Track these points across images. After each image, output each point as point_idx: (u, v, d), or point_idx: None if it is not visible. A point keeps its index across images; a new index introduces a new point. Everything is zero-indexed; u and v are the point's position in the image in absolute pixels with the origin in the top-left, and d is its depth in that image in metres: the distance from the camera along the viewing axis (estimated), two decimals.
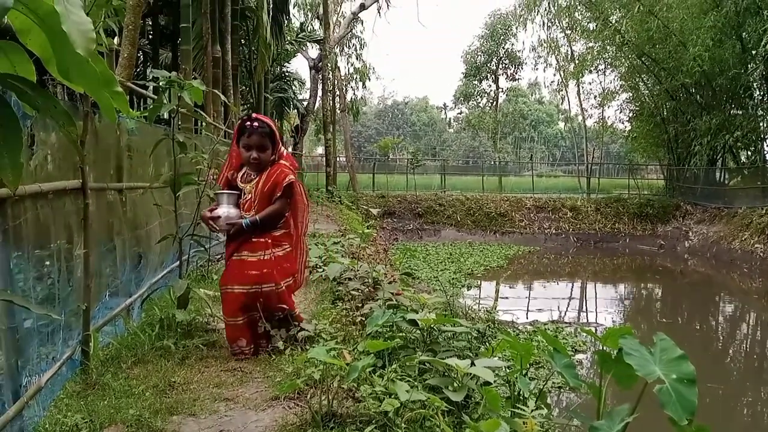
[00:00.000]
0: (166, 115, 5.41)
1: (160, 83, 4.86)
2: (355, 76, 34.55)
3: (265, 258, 4.35)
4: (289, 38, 24.52)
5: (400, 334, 4.39)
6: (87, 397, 3.62)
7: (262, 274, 4.34)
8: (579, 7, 28.94)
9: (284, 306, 4.51)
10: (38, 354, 3.39)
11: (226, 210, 4.34)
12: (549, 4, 30.45)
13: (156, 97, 5.24)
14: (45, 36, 1.54)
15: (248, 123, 4.34)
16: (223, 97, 9.21)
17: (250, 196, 4.42)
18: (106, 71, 1.67)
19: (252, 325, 4.47)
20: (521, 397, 3.59)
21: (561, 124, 72.16)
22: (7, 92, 1.72)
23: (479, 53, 49.64)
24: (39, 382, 3.27)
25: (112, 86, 1.72)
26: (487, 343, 4.63)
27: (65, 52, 1.50)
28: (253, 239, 4.36)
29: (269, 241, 4.39)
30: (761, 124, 24.18)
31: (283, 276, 4.46)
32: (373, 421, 3.14)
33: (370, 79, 34.73)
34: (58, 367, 3.60)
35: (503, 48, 48.34)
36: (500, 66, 49.69)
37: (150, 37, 15.82)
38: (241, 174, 4.52)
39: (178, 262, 5.89)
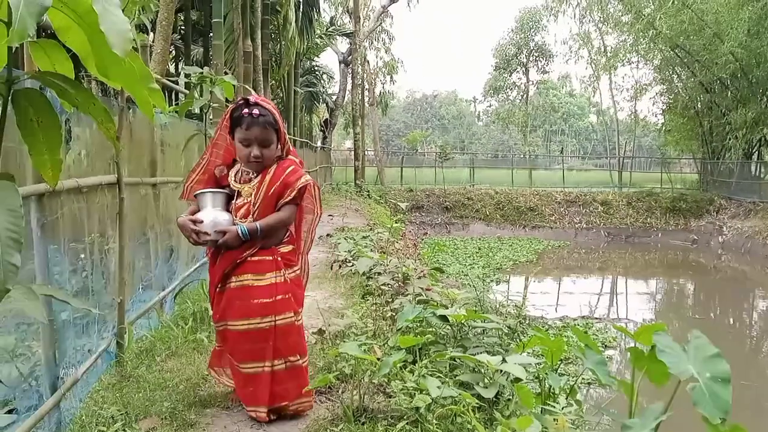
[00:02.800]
0: (197, 110, 5.46)
1: (193, 79, 4.90)
2: (383, 70, 34.55)
3: (278, 281, 3.23)
4: (318, 32, 24.57)
5: (431, 329, 4.38)
6: (122, 389, 3.68)
7: (276, 303, 3.20)
8: (612, 0, 28.65)
9: (303, 346, 3.41)
10: (74, 346, 3.45)
11: (212, 215, 3.15)
12: None
13: (188, 92, 5.29)
14: (84, 34, 1.56)
15: (246, 111, 3.15)
16: (253, 92, 9.27)
17: (249, 199, 3.23)
18: (143, 68, 1.69)
19: (266, 378, 3.24)
20: (552, 394, 3.57)
21: (592, 117, 71.40)
22: (46, 89, 1.75)
23: (509, 46, 49.37)
24: (75, 375, 3.33)
25: (148, 83, 1.73)
26: (518, 339, 4.62)
27: (104, 50, 1.51)
28: (257, 257, 3.23)
29: (279, 259, 3.26)
30: None
31: (299, 304, 3.37)
32: (405, 417, 3.15)
33: (397, 72, 34.67)
34: (94, 359, 3.66)
35: (533, 41, 48.03)
36: (530, 58, 49.35)
37: (182, 32, 15.96)
38: (235, 172, 3.34)
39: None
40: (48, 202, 3.05)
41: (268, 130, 3.18)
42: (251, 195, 3.23)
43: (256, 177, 3.26)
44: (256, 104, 3.16)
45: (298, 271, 3.39)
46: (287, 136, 3.36)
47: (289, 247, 3.36)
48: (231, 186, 3.29)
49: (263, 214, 3.22)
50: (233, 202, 3.27)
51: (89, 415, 3.28)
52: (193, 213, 3.22)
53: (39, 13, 1.20)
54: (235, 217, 3.22)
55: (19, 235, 1.35)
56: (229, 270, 3.22)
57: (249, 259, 3.22)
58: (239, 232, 3.17)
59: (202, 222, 3.12)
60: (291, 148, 3.44)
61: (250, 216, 3.21)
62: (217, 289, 3.26)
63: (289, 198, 3.24)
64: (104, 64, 1.58)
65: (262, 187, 3.22)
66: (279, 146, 3.30)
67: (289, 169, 3.28)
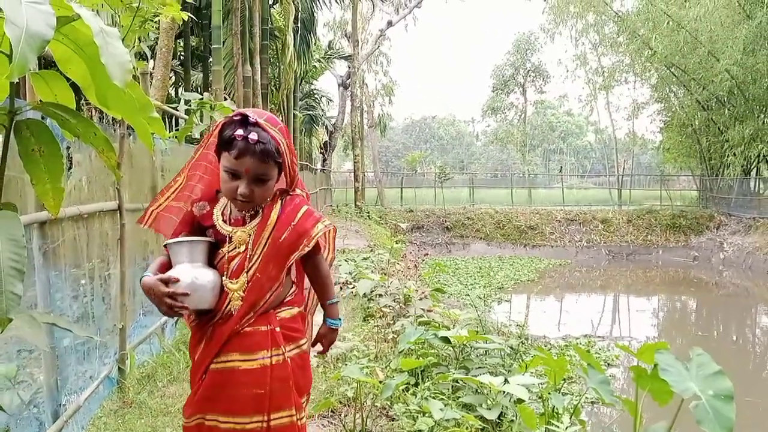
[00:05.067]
0: (197, 135, 5.49)
1: (192, 105, 4.94)
2: (382, 92, 34.78)
3: (275, 361, 2.20)
4: (317, 56, 24.76)
5: (433, 351, 4.38)
6: (124, 415, 3.67)
7: (271, 394, 2.18)
8: (608, 22, 28.94)
9: None
10: (76, 372, 3.45)
11: (191, 274, 2.14)
12: (576, 20, 30.50)
13: (188, 117, 5.33)
14: (84, 65, 1.58)
15: (239, 134, 2.11)
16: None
17: (243, 249, 2.23)
18: (142, 97, 1.71)
19: None
20: (555, 413, 3.56)
21: (591, 136, 71.62)
22: (47, 119, 1.77)
23: (506, 67, 49.84)
24: (77, 401, 3.32)
25: (148, 111, 1.75)
26: (520, 359, 4.61)
27: (104, 81, 1.54)
28: (247, 328, 2.20)
29: (277, 330, 2.23)
30: None
31: (302, 392, 2.32)
32: None
33: (395, 94, 34.94)
34: (96, 385, 3.65)
35: (530, 61, 48.50)
36: (528, 79, 49.77)
37: (181, 58, 16.08)
38: (221, 207, 2.32)
39: None
40: (49, 230, 3.07)
41: (267, 163, 2.16)
42: (246, 243, 2.23)
43: (253, 217, 2.28)
44: (256, 125, 2.14)
45: (304, 345, 2.33)
46: (296, 166, 2.36)
47: (293, 311, 2.32)
48: (217, 228, 2.28)
49: (265, 271, 2.21)
50: (220, 251, 2.25)
51: None
52: (163, 269, 2.21)
53: (40, 47, 1.22)
54: (224, 274, 2.21)
55: (21, 264, 1.36)
56: (215, 348, 2.20)
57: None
58: (335, 327, 2.44)
59: (177, 281, 2.10)
60: (300, 179, 2.43)
61: (244, 273, 2.20)
62: (202, 374, 2.20)
63: (305, 250, 2.27)
64: (104, 95, 1.60)
65: (264, 234, 2.24)
66: (286, 178, 2.32)
67: (303, 211, 2.31)
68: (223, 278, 2.19)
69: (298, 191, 2.39)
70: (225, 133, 2.16)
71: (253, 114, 2.15)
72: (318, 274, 2.42)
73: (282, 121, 2.31)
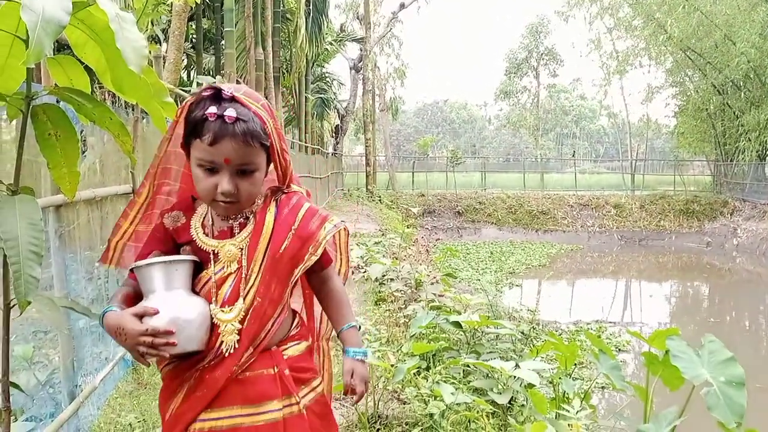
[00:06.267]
0: None
1: None
2: (393, 75, 34.66)
3: (288, 414, 1.67)
4: (329, 39, 24.69)
5: (444, 335, 4.40)
6: (139, 396, 3.71)
7: None
8: (623, 5, 28.68)
9: None
10: (91, 354, 3.50)
11: (172, 305, 1.58)
12: (591, 4, 30.24)
13: None
14: (100, 50, 1.59)
15: (212, 112, 1.57)
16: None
17: (235, 268, 1.69)
18: (157, 82, 1.71)
19: None
20: (566, 398, 3.58)
21: (604, 120, 71.13)
22: (61, 103, 1.78)
23: (519, 50, 49.62)
24: (93, 382, 3.36)
25: (162, 96, 1.76)
26: (531, 344, 4.62)
27: (119, 66, 1.55)
28: (247, 372, 1.66)
29: (287, 373, 1.70)
30: None
31: None
32: (419, 424, 3.16)
33: (406, 77, 34.83)
34: (111, 367, 3.70)
35: (543, 44, 48.26)
36: (541, 62, 49.52)
37: (193, 41, 16.08)
38: (200, 219, 1.76)
39: None
40: (65, 213, 3.10)
41: (251, 146, 1.61)
42: (239, 260, 1.69)
43: (243, 226, 1.73)
44: (232, 101, 1.61)
45: (319, 387, 1.80)
46: (288, 155, 1.79)
47: (301, 346, 1.80)
48: (197, 243, 1.72)
49: (266, 294, 1.68)
50: (204, 273, 1.70)
51: (107, 422, 3.32)
52: (129, 302, 1.66)
53: (56, 32, 1.23)
54: (212, 302, 1.66)
55: (39, 248, 1.38)
56: (209, 398, 1.63)
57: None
58: (362, 359, 1.85)
59: (155, 313, 1.56)
60: (293, 172, 1.84)
61: (241, 300, 1.66)
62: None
63: (312, 260, 1.73)
64: (120, 80, 1.61)
65: (260, 245, 1.70)
66: (276, 170, 1.77)
67: (304, 210, 1.77)
68: (212, 307, 1.66)
69: (294, 187, 1.82)
70: (194, 114, 1.63)
71: (227, 87, 1.63)
72: (327, 290, 1.88)
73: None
